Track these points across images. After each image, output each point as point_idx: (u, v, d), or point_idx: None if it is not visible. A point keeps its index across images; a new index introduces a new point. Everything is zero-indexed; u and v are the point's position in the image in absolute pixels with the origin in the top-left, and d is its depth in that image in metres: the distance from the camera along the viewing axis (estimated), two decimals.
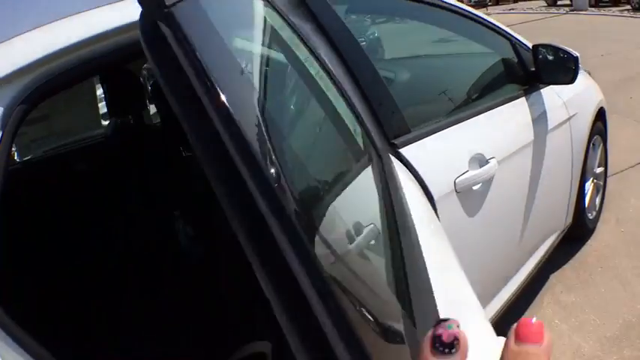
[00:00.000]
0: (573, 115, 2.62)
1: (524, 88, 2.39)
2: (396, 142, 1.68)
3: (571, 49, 2.40)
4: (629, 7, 16.68)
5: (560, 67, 2.40)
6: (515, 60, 2.45)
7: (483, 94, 2.37)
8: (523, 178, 2.29)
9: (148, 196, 2.64)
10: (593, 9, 17.91)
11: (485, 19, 2.43)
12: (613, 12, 16.64)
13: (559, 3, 20.48)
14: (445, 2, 2.23)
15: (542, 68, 2.39)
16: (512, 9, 21.99)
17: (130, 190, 2.67)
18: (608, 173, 3.56)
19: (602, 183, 3.40)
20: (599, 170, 3.29)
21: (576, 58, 2.37)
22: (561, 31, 12.81)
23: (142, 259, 2.53)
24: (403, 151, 1.67)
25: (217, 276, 2.29)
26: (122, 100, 2.74)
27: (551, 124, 2.43)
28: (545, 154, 2.39)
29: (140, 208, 2.65)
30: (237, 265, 2.06)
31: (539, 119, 2.37)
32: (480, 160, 1.91)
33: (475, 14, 2.39)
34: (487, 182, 1.95)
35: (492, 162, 1.94)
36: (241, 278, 2.14)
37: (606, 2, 18.60)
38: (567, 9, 18.53)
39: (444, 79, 2.50)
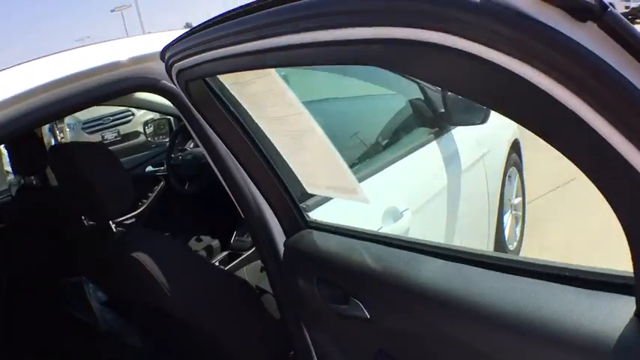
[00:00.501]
0: (486, 153, 2.62)
1: (435, 131, 2.35)
2: (304, 205, 1.62)
3: None
4: None
5: (471, 106, 2.28)
6: (423, 101, 2.42)
7: (392, 142, 2.32)
8: (439, 224, 2.26)
9: (55, 259, 2.49)
10: None
11: None
12: None
13: None
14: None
15: (451, 109, 2.30)
16: None
17: (37, 251, 2.53)
18: (529, 200, 3.61)
19: (520, 213, 3.42)
20: (517, 200, 3.32)
21: None
22: None
23: (51, 323, 2.41)
24: (312, 214, 1.61)
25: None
26: (23, 160, 2.59)
27: (464, 164, 2.40)
28: (461, 196, 2.36)
29: (47, 271, 2.51)
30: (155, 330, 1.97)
31: (452, 162, 2.34)
32: (394, 214, 1.88)
33: None
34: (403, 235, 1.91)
35: (406, 214, 1.90)
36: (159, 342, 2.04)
37: None
38: None
39: (346, 128, 2.28)
